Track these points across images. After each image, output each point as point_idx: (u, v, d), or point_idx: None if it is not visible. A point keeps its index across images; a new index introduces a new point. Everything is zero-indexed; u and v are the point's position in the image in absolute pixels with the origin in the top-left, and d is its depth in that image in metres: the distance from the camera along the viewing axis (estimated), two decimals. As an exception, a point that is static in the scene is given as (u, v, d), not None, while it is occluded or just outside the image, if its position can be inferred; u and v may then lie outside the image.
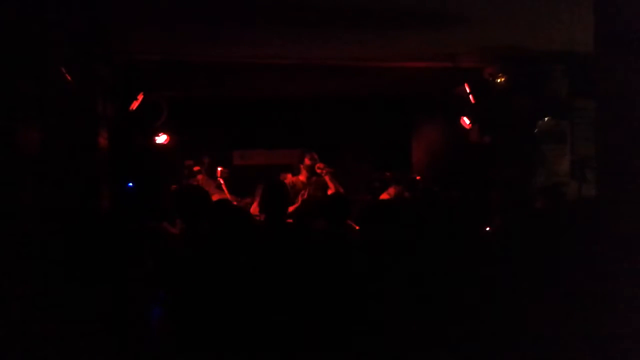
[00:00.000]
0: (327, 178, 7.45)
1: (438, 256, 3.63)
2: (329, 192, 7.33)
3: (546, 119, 7.73)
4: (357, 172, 9.92)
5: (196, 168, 8.03)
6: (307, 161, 7.62)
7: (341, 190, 7.35)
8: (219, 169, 8.21)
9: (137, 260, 4.06)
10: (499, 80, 7.62)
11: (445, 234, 3.87)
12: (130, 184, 7.64)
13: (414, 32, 6.31)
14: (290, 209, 6.49)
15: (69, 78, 5.55)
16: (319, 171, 7.53)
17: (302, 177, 7.64)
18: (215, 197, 6.10)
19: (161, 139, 8.02)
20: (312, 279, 3.60)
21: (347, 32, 6.33)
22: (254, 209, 6.71)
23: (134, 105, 7.02)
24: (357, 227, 4.37)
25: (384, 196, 7.57)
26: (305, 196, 7.27)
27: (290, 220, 5.38)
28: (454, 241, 3.82)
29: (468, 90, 7.92)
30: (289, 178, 7.66)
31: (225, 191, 7.91)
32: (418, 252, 3.71)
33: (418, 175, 8.98)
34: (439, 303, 3.44)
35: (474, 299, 3.50)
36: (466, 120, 8.22)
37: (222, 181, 8.08)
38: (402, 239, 3.78)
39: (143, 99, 7.12)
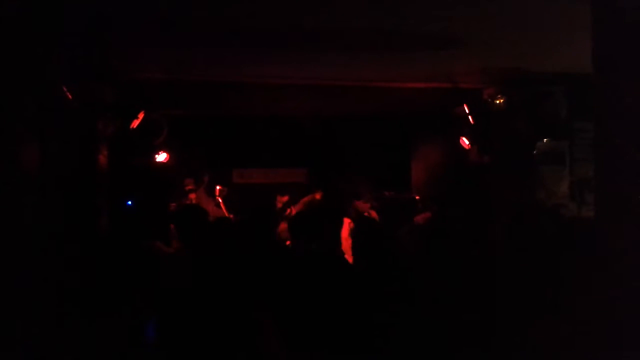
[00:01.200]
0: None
1: (439, 276, 3.63)
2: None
3: (545, 140, 7.74)
4: (356, 191, 9.92)
5: (190, 187, 8.04)
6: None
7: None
8: (218, 187, 8.22)
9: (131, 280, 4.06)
10: (498, 102, 7.65)
11: (446, 255, 3.87)
12: (130, 202, 7.64)
13: (414, 53, 6.34)
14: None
15: (69, 97, 5.57)
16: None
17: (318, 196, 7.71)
18: (213, 215, 6.11)
19: (161, 157, 8.04)
20: (308, 299, 3.59)
21: (347, 54, 6.36)
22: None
23: (135, 123, 7.04)
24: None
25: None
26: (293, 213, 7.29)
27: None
28: (455, 262, 3.82)
29: (467, 111, 7.96)
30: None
31: (224, 209, 7.91)
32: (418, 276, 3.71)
33: (417, 195, 8.99)
34: (441, 323, 3.44)
35: (473, 320, 3.49)
36: (465, 141, 8.25)
37: (220, 200, 8.09)
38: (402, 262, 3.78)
39: (143, 117, 7.15)
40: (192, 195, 8.02)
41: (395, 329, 3.45)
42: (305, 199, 7.76)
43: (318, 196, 7.81)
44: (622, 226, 3.28)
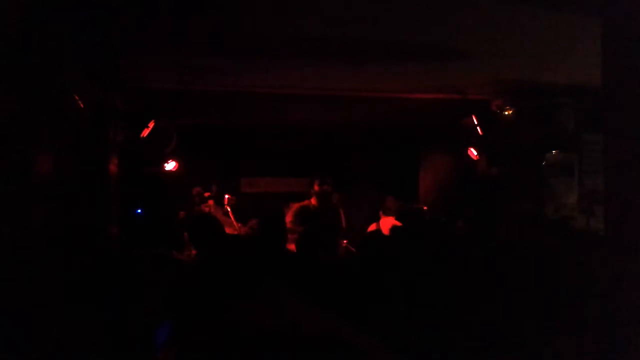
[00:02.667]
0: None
1: (445, 284, 3.64)
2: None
3: (554, 152, 7.74)
4: (364, 201, 9.94)
5: (207, 194, 8.09)
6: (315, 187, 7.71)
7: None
8: (227, 196, 8.25)
9: (141, 288, 4.06)
10: (506, 113, 7.65)
11: (452, 265, 3.88)
12: (139, 211, 7.68)
13: (422, 64, 6.37)
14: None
15: (81, 105, 5.61)
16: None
17: (314, 202, 7.73)
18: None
19: (170, 165, 8.08)
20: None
21: (355, 64, 6.39)
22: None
23: (145, 132, 7.08)
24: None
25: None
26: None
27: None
28: (460, 272, 3.83)
29: (476, 122, 7.96)
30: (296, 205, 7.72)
31: (232, 219, 7.93)
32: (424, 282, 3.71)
33: (425, 206, 8.99)
34: (446, 335, 3.44)
35: (477, 328, 3.49)
36: (474, 152, 8.25)
37: (229, 209, 8.11)
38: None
39: (153, 126, 7.19)
40: (211, 202, 8.08)
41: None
42: (297, 204, 7.80)
43: (314, 202, 7.84)
44: (632, 238, 3.28)
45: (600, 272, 3.46)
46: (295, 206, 7.88)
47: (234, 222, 7.83)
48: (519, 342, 3.50)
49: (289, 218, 7.41)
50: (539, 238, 5.94)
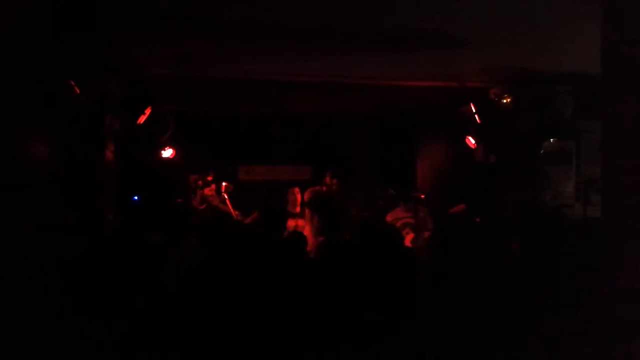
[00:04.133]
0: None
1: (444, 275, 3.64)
2: None
3: (551, 140, 7.73)
4: (361, 189, 9.92)
5: (209, 177, 8.07)
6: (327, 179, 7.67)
7: None
8: (224, 184, 8.24)
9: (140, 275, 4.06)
10: (504, 101, 7.64)
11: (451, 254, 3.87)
12: (136, 197, 7.67)
13: (421, 52, 6.35)
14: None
15: (77, 91, 5.59)
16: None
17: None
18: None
19: (167, 153, 8.06)
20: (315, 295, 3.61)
21: (353, 51, 6.37)
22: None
23: (142, 119, 7.06)
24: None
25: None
26: None
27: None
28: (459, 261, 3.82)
29: (474, 110, 7.95)
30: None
31: (230, 206, 7.93)
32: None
33: (422, 194, 8.98)
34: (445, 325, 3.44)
35: (475, 321, 3.49)
36: (471, 140, 8.25)
37: (226, 196, 8.11)
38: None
39: (150, 113, 7.17)
40: (213, 186, 8.08)
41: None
42: (312, 188, 7.77)
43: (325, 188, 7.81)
44: (629, 226, 3.28)
45: (598, 262, 3.46)
46: (311, 190, 7.79)
47: (231, 210, 7.83)
48: (513, 327, 3.50)
49: (305, 198, 7.32)
50: (536, 226, 5.93)
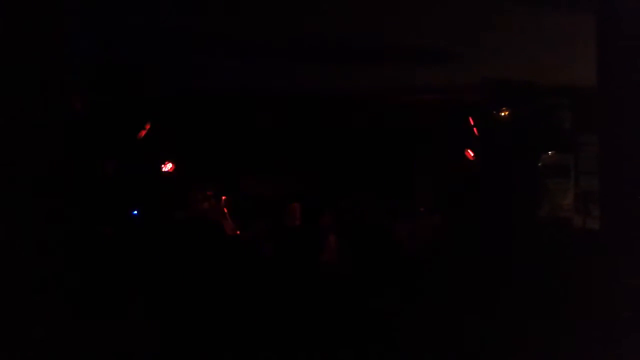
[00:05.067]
0: None
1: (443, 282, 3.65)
2: None
3: (550, 152, 7.74)
4: (360, 200, 9.90)
5: (210, 192, 8.06)
6: None
7: None
8: (223, 197, 8.23)
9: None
10: (502, 114, 7.66)
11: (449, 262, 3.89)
12: (135, 212, 7.66)
13: (419, 66, 6.38)
14: None
15: (79, 106, 5.61)
16: None
17: None
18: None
19: (167, 167, 8.07)
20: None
21: (350, 65, 6.39)
22: None
23: (142, 134, 7.08)
24: None
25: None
26: None
27: None
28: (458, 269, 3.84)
29: (472, 123, 7.97)
30: None
31: (229, 219, 7.91)
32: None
33: (422, 207, 8.98)
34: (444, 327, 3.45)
35: (475, 325, 3.49)
36: (470, 152, 8.26)
37: (225, 210, 8.10)
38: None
39: (150, 127, 7.19)
40: (211, 194, 8.06)
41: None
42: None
43: None
44: (627, 238, 3.29)
45: (597, 272, 3.47)
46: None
47: (230, 222, 7.81)
48: (518, 340, 3.51)
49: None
50: (535, 238, 5.95)
